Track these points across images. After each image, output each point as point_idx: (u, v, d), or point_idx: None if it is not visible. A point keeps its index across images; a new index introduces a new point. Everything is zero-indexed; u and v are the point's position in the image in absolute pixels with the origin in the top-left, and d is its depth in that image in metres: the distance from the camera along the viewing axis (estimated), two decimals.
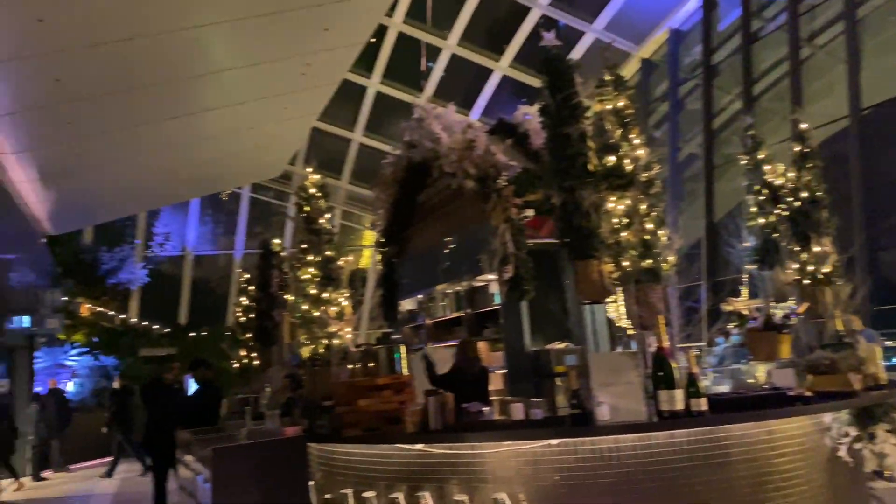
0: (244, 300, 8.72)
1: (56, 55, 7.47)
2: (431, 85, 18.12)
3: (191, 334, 18.20)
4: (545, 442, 4.18)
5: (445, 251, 7.35)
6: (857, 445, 4.64)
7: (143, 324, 18.56)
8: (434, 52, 17.87)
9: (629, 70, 17.85)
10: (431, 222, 7.50)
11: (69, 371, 14.72)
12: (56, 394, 12.46)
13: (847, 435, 4.61)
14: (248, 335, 8.51)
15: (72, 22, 6.99)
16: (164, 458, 7.38)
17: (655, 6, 17.13)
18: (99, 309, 17.35)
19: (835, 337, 5.30)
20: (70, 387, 13.02)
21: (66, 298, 14.55)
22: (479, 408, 4.88)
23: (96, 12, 6.95)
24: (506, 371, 6.34)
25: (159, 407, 7.43)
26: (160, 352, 16.38)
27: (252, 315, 8.50)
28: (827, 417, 4.64)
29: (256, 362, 8.07)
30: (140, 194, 14.56)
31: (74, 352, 15.38)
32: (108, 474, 11.87)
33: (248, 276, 8.93)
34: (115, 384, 13.12)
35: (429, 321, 8.05)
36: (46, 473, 12.23)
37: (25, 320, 11.97)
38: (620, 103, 4.64)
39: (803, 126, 6.03)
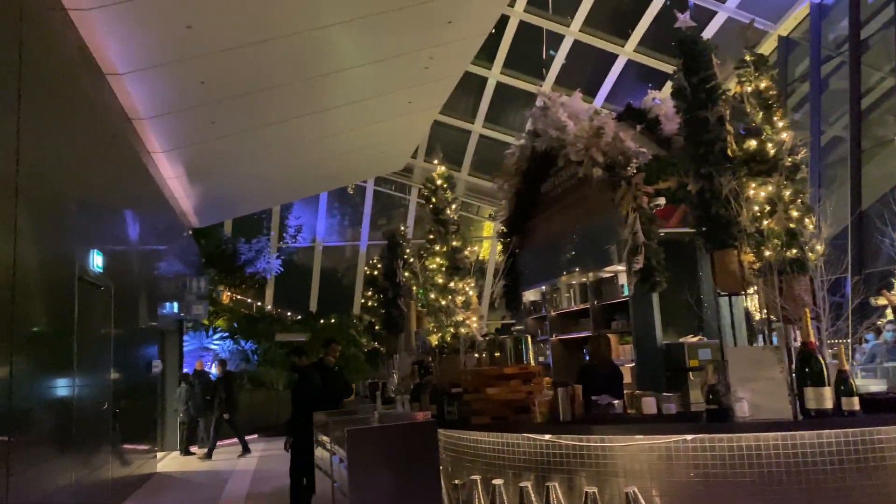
0: (372, 289, 9.01)
1: (201, 59, 8.01)
2: (553, 73, 17.90)
3: (321, 321, 19.04)
4: (679, 437, 4.05)
5: (570, 241, 7.26)
6: None
7: (278, 311, 19.63)
8: (556, 40, 17.64)
9: (766, 49, 16.84)
10: (555, 212, 7.43)
11: (212, 354, 15.80)
12: (202, 375, 13.42)
13: None
14: (376, 323, 8.79)
15: (215, 27, 7.46)
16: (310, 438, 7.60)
17: None
18: (238, 297, 18.52)
19: None
20: (214, 369, 13.95)
21: (210, 287, 15.62)
22: (608, 400, 4.79)
23: (236, 17, 7.38)
24: (635, 365, 6.18)
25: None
26: (295, 337, 17.24)
27: (379, 303, 8.78)
28: None
29: (383, 349, 8.32)
30: (274, 189, 15.38)
31: (216, 336, 16.51)
32: (209, 455, 12.50)
33: (376, 265, 9.21)
34: (215, 369, 13.59)
35: (553, 312, 7.98)
36: (194, 448, 13.20)
37: (175, 306, 12.96)
38: (762, 84, 4.39)
39: None
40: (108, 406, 7.78)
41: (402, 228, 9.09)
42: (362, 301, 9.25)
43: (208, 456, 12.63)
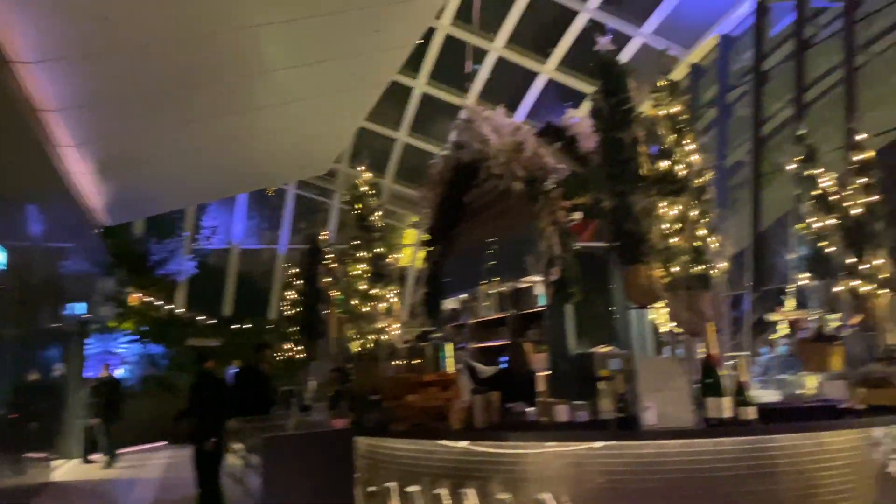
0: (291, 294, 8.89)
1: (118, 52, 7.74)
2: (477, 87, 18.19)
3: (234, 326, 18.58)
4: (589, 444, 4.21)
5: (490, 252, 7.41)
6: None
7: (189, 314, 19.01)
8: (480, 55, 17.94)
9: (678, 75, 17.65)
10: (477, 223, 7.56)
11: (119, 358, 15.16)
12: (107, 380, 12.85)
13: None
14: (294, 328, 8.68)
15: (134, 21, 7.23)
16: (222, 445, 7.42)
17: (705, 11, 16.91)
18: (147, 299, 17.83)
19: (887, 350, 5.21)
20: (120, 373, 13.37)
21: (118, 288, 14.99)
22: (523, 408, 4.92)
23: (157, 12, 7.18)
24: (549, 373, 6.36)
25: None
26: (208, 342, 16.76)
27: (298, 309, 8.67)
28: (877, 432, 4.56)
29: (301, 355, 8.23)
30: (191, 188, 14.93)
31: (124, 339, 15.85)
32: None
33: (295, 270, 9.10)
34: (104, 373, 13.02)
35: (471, 321, 8.11)
36: (95, 457, 12.62)
37: (80, 307, 12.37)
38: (675, 109, 4.65)
39: (860, 135, 5.95)
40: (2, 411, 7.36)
41: (324, 233, 9.02)
42: (282, 307, 9.09)
43: (109, 464, 12.10)
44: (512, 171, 6.22)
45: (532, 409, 4.96)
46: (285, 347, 8.71)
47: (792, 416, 4.46)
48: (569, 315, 6.10)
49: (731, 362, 4.37)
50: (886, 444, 4.54)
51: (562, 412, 4.61)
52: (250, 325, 18.48)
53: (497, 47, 17.46)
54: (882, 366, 4.80)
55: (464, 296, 8.22)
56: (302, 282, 8.59)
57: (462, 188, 7.80)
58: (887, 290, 5.45)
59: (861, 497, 4.34)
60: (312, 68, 9.76)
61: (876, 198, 5.65)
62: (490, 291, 7.81)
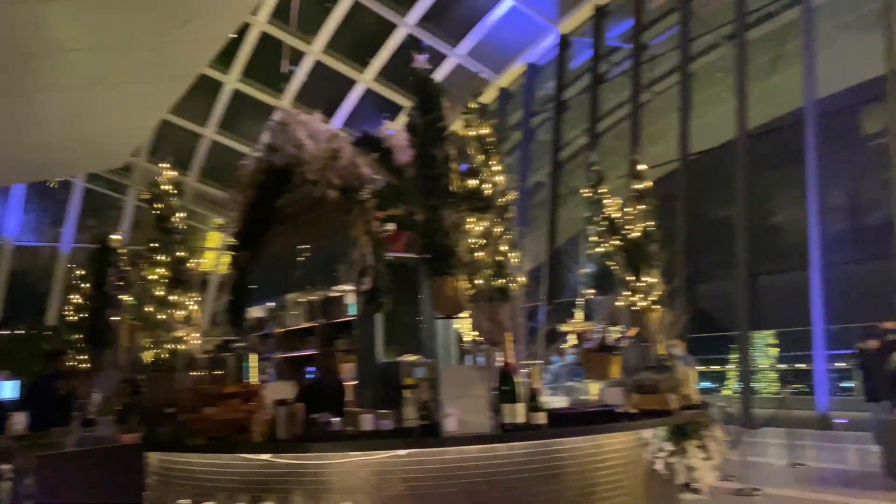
0: (76, 298, 8.07)
1: None
2: (293, 89, 17.84)
3: (4, 332, 16.51)
4: (393, 453, 4.28)
5: (301, 259, 7.28)
6: (672, 459, 5.14)
7: None
8: (298, 57, 17.63)
9: (488, 97, 18.60)
10: (288, 229, 7.39)
11: None
12: None
13: (663, 450, 5.10)
14: (77, 335, 7.88)
15: None
16: None
17: (515, 39, 18.00)
18: None
19: (658, 360, 5.84)
20: None
21: None
22: (327, 418, 4.88)
23: None
24: (357, 382, 6.38)
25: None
26: None
27: (83, 314, 7.90)
28: (647, 433, 5.11)
29: (85, 365, 7.50)
30: None
31: None
32: None
33: (80, 272, 8.28)
34: None
35: (278, 330, 7.91)
36: None
37: None
38: (484, 130, 4.89)
39: (640, 166, 6.64)
40: None
41: (116, 233, 8.31)
42: (64, 311, 8.22)
43: None
44: (327, 179, 6.16)
45: (338, 419, 4.94)
46: (68, 356, 7.89)
47: (576, 420, 4.85)
48: (378, 324, 6.16)
49: (526, 370, 4.66)
50: (654, 444, 5.10)
51: (367, 421, 4.63)
52: (23, 332, 16.51)
53: (315, 51, 17.27)
54: (653, 374, 5.37)
55: (271, 304, 7.99)
56: (88, 285, 7.83)
57: (274, 192, 7.59)
58: (659, 306, 6.11)
59: (631, 492, 4.82)
60: (111, 54, 9.01)
61: (652, 223, 6.32)
62: (299, 300, 7.66)
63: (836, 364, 11.94)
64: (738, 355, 13.23)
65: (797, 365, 12.95)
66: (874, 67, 11.87)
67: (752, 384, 13.13)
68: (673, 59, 15.44)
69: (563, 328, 11.12)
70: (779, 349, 13.64)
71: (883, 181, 11.75)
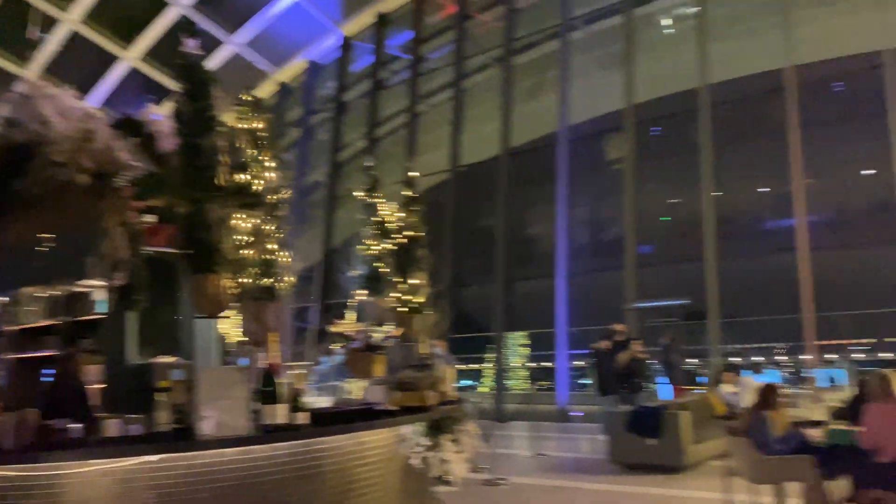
0: None
1: None
2: (42, 59, 15.92)
3: None
4: (140, 459, 4.00)
5: (41, 250, 6.52)
6: (427, 454, 5.41)
7: None
8: (50, 24, 15.77)
9: (266, 91, 18.12)
10: (28, 216, 6.58)
11: None
12: None
13: (420, 445, 5.35)
14: None
15: None
16: None
17: (298, 35, 17.76)
18: None
19: (420, 359, 6.12)
20: None
21: None
22: (64, 424, 4.43)
23: None
24: (104, 386, 5.84)
25: None
26: None
27: None
28: (406, 429, 5.32)
29: None
30: None
31: None
32: None
33: None
34: None
35: (11, 328, 7.00)
36: None
37: None
38: (257, 125, 4.78)
39: (412, 173, 6.92)
40: None
41: None
42: None
43: None
44: (77, 162, 5.60)
45: (79, 425, 4.49)
46: None
47: (339, 419, 4.91)
48: (131, 324, 5.71)
49: (291, 371, 4.63)
50: (412, 440, 5.33)
51: (111, 427, 4.28)
52: None
53: (72, 19, 15.57)
54: (414, 372, 5.62)
55: (3, 299, 7.05)
56: None
57: (11, 173, 6.73)
58: (424, 308, 6.41)
59: (387, 487, 4.99)
60: None
61: (421, 229, 6.62)
62: (38, 295, 6.84)
63: (576, 363, 13.38)
64: (494, 354, 14.28)
65: (544, 363, 14.29)
66: (617, 101, 13.53)
67: (505, 381, 14.25)
68: (448, 75, 16.26)
69: (334, 328, 11.17)
70: (529, 349, 14.95)
71: (619, 202, 13.41)
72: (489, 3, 16.13)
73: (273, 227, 4.68)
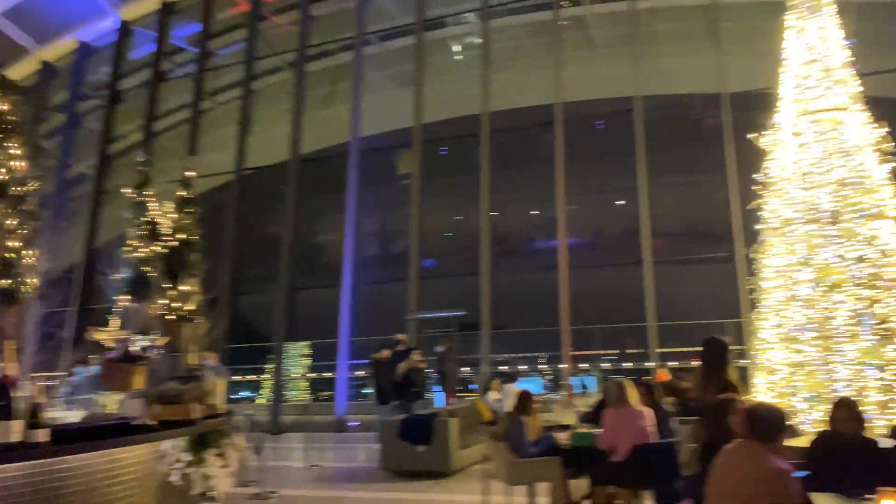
0: None
1: None
2: None
3: None
4: None
5: None
6: (189, 470, 5.12)
7: None
8: None
9: (26, 69, 16.18)
10: None
11: None
12: None
13: (181, 461, 5.05)
14: None
15: None
16: None
17: (68, 12, 16.10)
18: None
19: (188, 370, 5.80)
20: None
21: None
22: None
23: None
24: None
25: None
26: None
27: None
28: (166, 444, 5.00)
29: None
30: None
31: None
32: None
33: None
34: None
35: None
36: None
37: None
38: (3, 106, 4.27)
39: (190, 173, 6.57)
40: None
41: None
42: None
43: None
44: None
45: None
46: None
47: (89, 435, 4.48)
48: None
49: (29, 383, 4.17)
50: (172, 456, 5.02)
51: None
52: None
53: None
54: (178, 384, 5.30)
55: None
56: None
57: None
58: (194, 316, 6.10)
59: None
60: None
61: (195, 232, 6.30)
62: None
63: (357, 373, 13.48)
64: (273, 365, 13.92)
65: (325, 374, 14.20)
66: (408, 118, 13.95)
67: (284, 392, 13.94)
68: (237, 73, 15.68)
69: (93, 336, 10.20)
70: (311, 359, 14.78)
71: (406, 216, 13.80)
72: (284, 6, 15.86)
73: (17, 222, 4.19)
